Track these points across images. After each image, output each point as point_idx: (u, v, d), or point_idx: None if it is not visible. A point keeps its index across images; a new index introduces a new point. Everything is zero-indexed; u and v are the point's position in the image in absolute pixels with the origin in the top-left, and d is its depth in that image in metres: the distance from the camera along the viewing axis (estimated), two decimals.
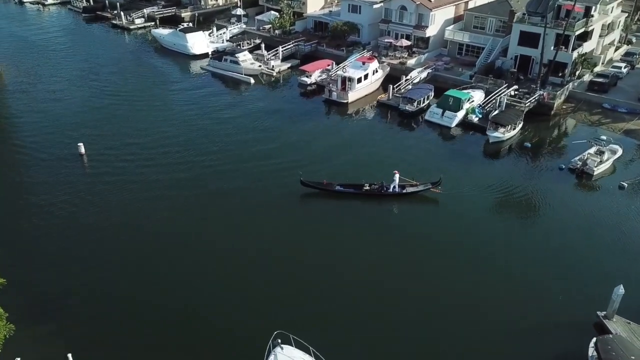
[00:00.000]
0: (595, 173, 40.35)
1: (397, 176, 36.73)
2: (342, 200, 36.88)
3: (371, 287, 29.24)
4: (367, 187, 36.67)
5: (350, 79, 54.44)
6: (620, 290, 26.08)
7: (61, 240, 32.83)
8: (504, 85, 52.32)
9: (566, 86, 52.64)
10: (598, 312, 27.07)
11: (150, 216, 34.96)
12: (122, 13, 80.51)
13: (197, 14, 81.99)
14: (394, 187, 36.67)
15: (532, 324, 27.05)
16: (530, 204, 38.03)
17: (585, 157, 41.34)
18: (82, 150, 42.58)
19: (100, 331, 26.33)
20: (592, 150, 42.01)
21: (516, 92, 51.74)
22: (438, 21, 63.39)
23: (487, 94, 52.08)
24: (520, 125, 48.07)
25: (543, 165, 43.28)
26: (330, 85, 55.37)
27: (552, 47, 53.37)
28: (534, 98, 50.39)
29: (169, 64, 65.98)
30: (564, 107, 52.23)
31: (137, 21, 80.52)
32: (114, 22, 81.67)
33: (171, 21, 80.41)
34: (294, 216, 35.64)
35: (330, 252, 31.79)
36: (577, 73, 54.66)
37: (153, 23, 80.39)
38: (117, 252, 31.72)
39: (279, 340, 22.89)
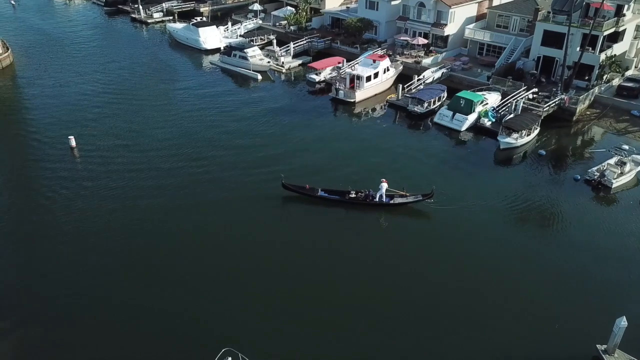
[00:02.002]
0: (613, 186, 36.65)
1: (384, 185, 33.69)
2: (325, 207, 34.11)
3: (342, 311, 26.21)
4: (353, 195, 33.87)
5: (359, 77, 51.94)
6: (623, 322, 22.84)
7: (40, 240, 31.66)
8: (523, 88, 48.73)
9: (591, 90, 48.62)
10: (598, 346, 23.87)
11: (130, 216, 33.33)
12: (140, 7, 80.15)
13: (214, 9, 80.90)
14: (381, 196, 33.72)
15: (522, 355, 24.08)
16: (537, 218, 34.53)
17: (604, 168, 37.66)
18: (73, 143, 41.59)
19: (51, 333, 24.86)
20: (613, 160, 38.26)
21: (535, 96, 48.06)
22: (458, 19, 60.08)
23: (503, 96, 48.65)
24: (537, 131, 44.53)
25: (557, 176, 39.80)
26: (338, 83, 52.97)
27: (578, 48, 49.44)
28: (554, 102, 46.65)
29: (179, 58, 64.88)
30: (587, 112, 48.28)
31: (156, 15, 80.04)
32: (133, 16, 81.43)
33: (190, 16, 79.24)
34: (271, 223, 32.81)
35: (302, 267, 29.17)
36: (604, 77, 50.43)
37: (171, 17, 79.74)
38: (86, 252, 30.31)
39: (229, 359, 21.02)
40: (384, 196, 33.70)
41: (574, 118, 47.06)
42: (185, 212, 33.50)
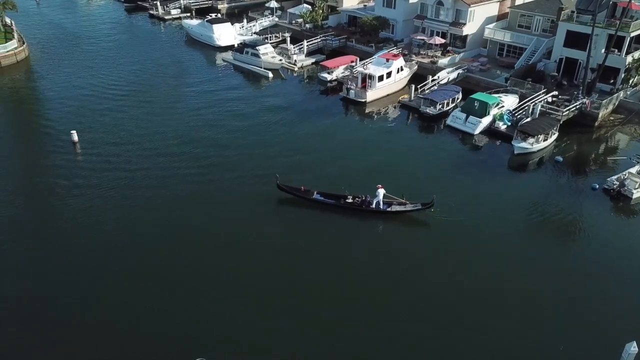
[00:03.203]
0: (634, 196, 34.28)
1: (380, 191, 31.86)
2: (319, 212, 32.48)
3: (326, 326, 24.52)
4: (350, 200, 32.15)
5: (371, 77, 50.35)
6: (633, 348, 20.90)
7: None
8: (542, 91, 46.39)
9: (616, 95, 45.98)
10: None
11: (127, 216, 32.44)
12: (159, 3, 79.99)
13: (231, 6, 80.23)
14: (378, 203, 31.92)
15: None
16: (548, 230, 32.36)
17: (625, 177, 35.29)
18: (75, 138, 41.10)
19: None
20: (634, 169, 35.87)
21: (554, 99, 45.68)
22: (478, 18, 57.87)
23: (521, 99, 46.39)
24: (555, 137, 42.24)
25: (574, 184, 37.51)
26: (349, 82, 51.45)
27: (603, 50, 46.85)
28: (575, 106, 44.21)
29: (193, 55, 64.24)
30: (610, 118, 45.72)
31: (173, 12, 79.73)
32: (151, 12, 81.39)
33: (208, 13, 78.75)
34: (264, 226, 31.29)
35: (289, 276, 27.73)
36: (631, 80, 47.64)
37: (189, 14, 79.33)
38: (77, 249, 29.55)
39: None
40: (381, 203, 31.94)
41: (596, 123, 44.54)
42: (185, 211, 32.51)
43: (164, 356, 22.88)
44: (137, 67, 58.51)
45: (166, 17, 78.84)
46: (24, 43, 61.86)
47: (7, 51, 58.21)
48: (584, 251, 30.42)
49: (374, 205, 31.88)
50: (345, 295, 26.30)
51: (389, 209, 32.08)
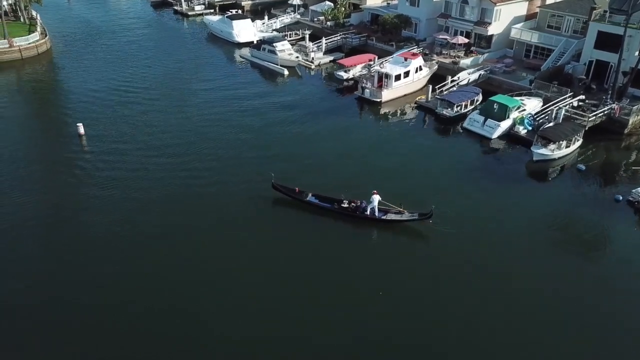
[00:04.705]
0: None
1: (375, 198, 29.87)
2: (313, 215, 30.80)
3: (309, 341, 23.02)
4: (345, 205, 30.35)
5: (388, 76, 48.54)
6: None
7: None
8: (568, 95, 43.67)
9: None
10: None
11: (128, 215, 31.62)
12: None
13: (255, 3, 79.59)
14: (372, 209, 29.97)
15: None
16: (566, 243, 29.75)
17: None
18: (81, 130, 40.77)
19: None
20: None
21: (581, 103, 42.89)
22: (504, 18, 55.27)
23: (545, 103, 43.75)
24: (578, 143, 39.58)
25: (596, 195, 34.79)
26: (365, 81, 49.75)
27: (637, 52, 43.79)
28: (603, 112, 41.38)
29: (211, 51, 63.68)
30: None
31: (197, 8, 79.69)
32: (175, 8, 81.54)
33: (231, 9, 78.38)
34: (258, 227, 29.90)
35: (289, 277, 26.47)
36: None
37: (212, 10, 79.02)
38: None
39: None
40: (376, 210, 29.93)
41: (626, 131, 41.59)
42: (187, 210, 31.42)
43: (164, 356, 22.14)
44: (153, 62, 58.28)
45: (189, 13, 78.85)
46: (46, 36, 62.45)
47: (29, 43, 58.85)
48: (603, 268, 27.91)
49: (368, 212, 29.94)
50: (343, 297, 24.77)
51: (383, 217, 30.03)
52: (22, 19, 66.48)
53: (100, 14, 79.78)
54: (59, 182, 34.66)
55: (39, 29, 62.75)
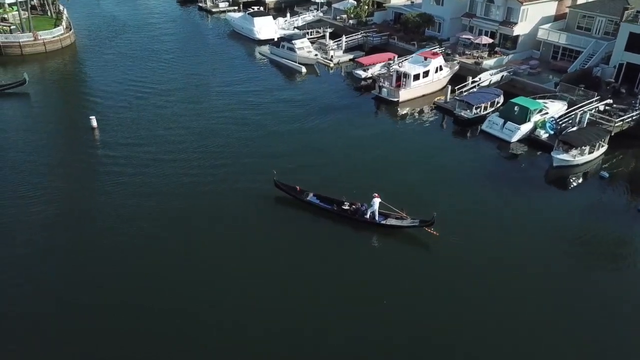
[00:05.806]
0: None
1: (376, 201, 28.72)
2: (313, 215, 29.83)
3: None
4: (346, 207, 29.29)
5: (406, 75, 47.29)
6: None
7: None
8: (595, 98, 41.61)
9: None
10: None
11: (133, 212, 31.38)
12: None
13: (279, 0, 79.15)
14: (373, 213, 28.80)
15: None
16: (584, 255, 28.12)
17: None
18: (94, 123, 40.90)
19: None
20: None
21: (608, 108, 40.81)
22: (531, 18, 53.28)
23: (570, 106, 41.80)
24: (603, 150, 37.62)
25: (618, 204, 32.89)
26: (382, 80, 48.60)
27: None
28: (631, 117, 39.26)
29: (231, 47, 63.40)
30: None
31: (221, 5, 79.76)
32: (200, 4, 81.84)
33: (254, 6, 78.19)
34: (258, 227, 29.15)
35: (289, 278, 25.72)
36: None
37: (236, 7, 78.96)
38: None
39: None
40: (377, 214, 28.71)
41: None
42: (187, 210, 30.86)
43: (164, 356, 21.73)
44: (172, 59, 58.27)
45: (213, 10, 79.02)
46: (70, 30, 63.30)
47: (53, 37, 59.68)
48: (625, 284, 26.14)
49: (368, 216, 28.79)
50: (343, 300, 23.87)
51: (383, 222, 28.80)
52: (49, 13, 67.65)
53: (127, 10, 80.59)
54: (61, 181, 34.23)
55: (64, 23, 63.59)
